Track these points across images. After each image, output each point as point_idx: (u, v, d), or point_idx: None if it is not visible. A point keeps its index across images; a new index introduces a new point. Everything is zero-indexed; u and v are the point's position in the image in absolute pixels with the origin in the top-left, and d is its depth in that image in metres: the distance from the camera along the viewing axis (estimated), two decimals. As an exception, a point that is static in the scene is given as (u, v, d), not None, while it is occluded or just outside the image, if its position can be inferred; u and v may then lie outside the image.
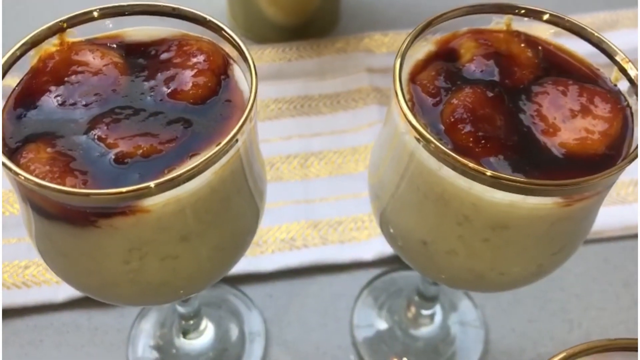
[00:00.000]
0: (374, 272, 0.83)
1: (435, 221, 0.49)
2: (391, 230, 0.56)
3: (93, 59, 0.48)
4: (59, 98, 0.46)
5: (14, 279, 0.79)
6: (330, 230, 0.85)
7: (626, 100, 0.49)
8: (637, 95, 0.48)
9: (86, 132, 0.44)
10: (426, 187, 0.47)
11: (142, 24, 0.51)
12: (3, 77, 0.45)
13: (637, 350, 0.35)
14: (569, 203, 0.44)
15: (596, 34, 0.50)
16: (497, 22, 0.54)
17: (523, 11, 0.52)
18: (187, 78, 0.47)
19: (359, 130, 0.95)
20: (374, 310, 0.79)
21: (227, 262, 0.53)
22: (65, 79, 0.47)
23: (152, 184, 0.40)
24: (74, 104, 0.46)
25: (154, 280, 0.47)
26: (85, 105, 0.46)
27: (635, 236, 0.86)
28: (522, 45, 0.52)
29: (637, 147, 0.44)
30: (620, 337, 0.36)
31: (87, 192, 0.40)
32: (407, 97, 0.48)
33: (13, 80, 0.48)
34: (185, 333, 0.74)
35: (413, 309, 0.77)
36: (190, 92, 0.47)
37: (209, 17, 0.50)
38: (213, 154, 0.42)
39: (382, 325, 0.78)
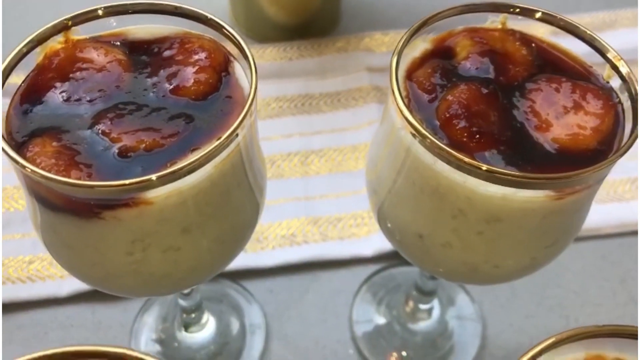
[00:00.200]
0: (373, 268, 0.84)
1: (430, 215, 0.50)
2: (389, 225, 0.57)
3: (97, 56, 0.50)
4: (64, 94, 0.47)
5: (19, 273, 0.80)
6: (330, 226, 0.86)
7: (618, 97, 0.50)
8: (628, 92, 0.49)
9: (90, 127, 0.45)
10: (422, 182, 0.49)
11: (145, 22, 0.53)
12: (10, 73, 0.46)
13: (624, 337, 0.36)
14: (560, 196, 0.45)
15: (588, 32, 0.51)
16: (493, 21, 0.55)
17: (518, 10, 0.53)
18: (189, 75, 0.48)
19: (359, 129, 0.96)
20: (373, 305, 0.81)
21: (227, 255, 0.54)
22: (70, 75, 0.48)
23: (154, 176, 0.41)
24: (78, 100, 0.47)
25: (157, 272, 0.48)
26: (90, 101, 0.47)
27: (632, 233, 0.87)
28: (517, 43, 0.53)
29: (626, 142, 0.45)
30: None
31: (91, 184, 0.41)
32: (403, 93, 0.49)
33: (19, 77, 0.49)
34: (187, 326, 0.75)
35: (411, 304, 0.78)
36: (192, 88, 0.48)
37: (210, 16, 0.51)
38: (213, 148, 0.43)
39: (381, 320, 0.79)
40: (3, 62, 0.47)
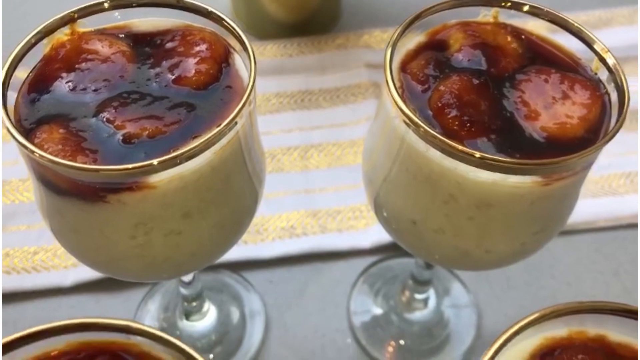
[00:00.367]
0: (371, 259, 0.85)
1: (423, 200, 0.51)
2: (385, 214, 0.59)
3: (102, 47, 0.51)
4: (70, 83, 0.49)
5: (24, 263, 0.82)
6: (329, 219, 0.87)
7: (605, 88, 0.52)
8: (615, 83, 0.50)
9: (96, 115, 0.47)
10: (415, 168, 0.50)
11: (148, 15, 0.55)
12: (19, 62, 0.48)
13: (605, 313, 0.38)
14: (548, 182, 0.47)
15: (576, 25, 0.53)
16: (485, 15, 0.56)
17: (509, 4, 0.55)
18: (191, 65, 0.50)
19: (357, 124, 0.98)
20: (371, 295, 0.82)
21: (226, 241, 0.56)
22: (76, 66, 0.50)
23: (155, 161, 0.43)
24: (84, 89, 0.49)
25: (159, 255, 0.50)
26: (95, 90, 0.49)
27: (626, 227, 0.89)
28: (508, 36, 0.55)
29: (611, 130, 0.47)
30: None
31: (97, 168, 0.43)
32: (397, 84, 0.51)
33: (24, 71, 0.51)
34: (188, 315, 0.77)
35: (407, 294, 0.79)
36: (193, 78, 0.50)
37: (211, 9, 0.53)
38: (213, 134, 0.45)
39: (378, 310, 0.81)
40: (12, 52, 0.48)
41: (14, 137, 0.44)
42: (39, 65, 0.51)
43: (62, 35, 0.52)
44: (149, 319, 0.78)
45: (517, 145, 0.48)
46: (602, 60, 0.52)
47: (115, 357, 0.35)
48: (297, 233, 0.86)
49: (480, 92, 0.50)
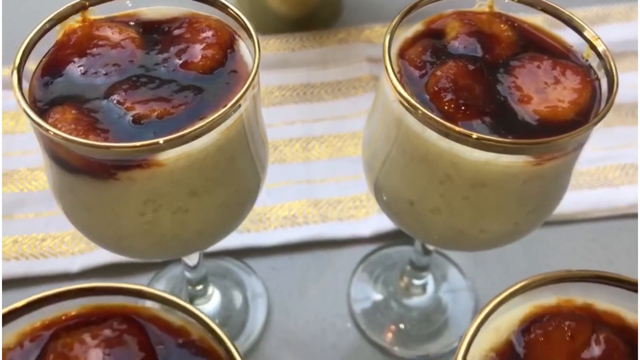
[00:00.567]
0: (371, 247, 0.87)
1: (420, 181, 0.53)
2: (384, 198, 0.61)
3: (112, 34, 0.54)
4: (81, 68, 0.51)
5: (32, 250, 0.84)
6: (330, 208, 0.89)
7: (596, 73, 0.54)
8: (605, 69, 0.52)
9: (106, 97, 0.49)
10: (412, 150, 0.52)
11: (156, 3, 0.57)
12: (33, 47, 0.50)
13: (592, 282, 0.40)
14: (539, 162, 0.49)
15: (567, 12, 0.55)
16: (480, 5, 0.59)
17: (504, -6, 0.57)
18: (197, 51, 0.52)
19: (358, 116, 1.00)
20: (370, 282, 0.84)
21: (231, 221, 0.58)
22: (87, 51, 0.52)
23: (161, 140, 0.45)
24: (95, 73, 0.51)
25: (167, 232, 0.52)
26: (106, 74, 0.51)
27: (621, 217, 0.91)
28: (503, 25, 0.57)
29: (601, 112, 0.49)
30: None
31: (108, 145, 0.45)
32: (396, 69, 0.53)
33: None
34: (192, 299, 0.79)
35: (405, 279, 0.81)
36: (200, 63, 0.52)
37: (216, -2, 0.55)
38: (218, 115, 0.47)
39: (378, 296, 0.83)
40: (27, 37, 0.51)
41: (29, 116, 0.46)
42: (51, 50, 0.53)
43: (74, 22, 0.54)
44: (154, 303, 0.80)
45: (510, 127, 0.50)
46: (593, 47, 0.54)
47: (128, 320, 0.37)
48: (299, 222, 0.88)
49: (475, 77, 0.52)
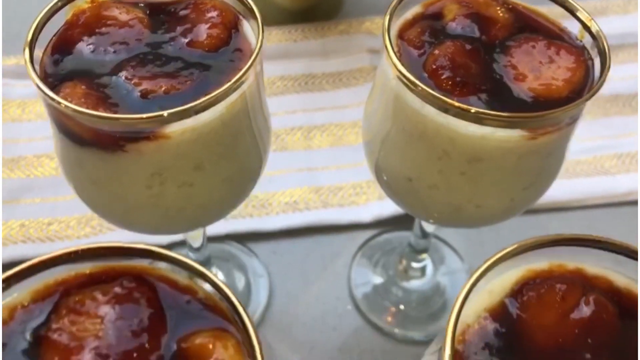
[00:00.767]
0: (371, 233, 0.89)
1: (419, 158, 0.55)
2: (385, 178, 0.63)
3: (120, 14, 0.55)
4: (90, 46, 0.53)
5: (39, 234, 0.86)
6: (331, 195, 0.91)
7: (589, 54, 0.55)
8: (598, 48, 0.54)
9: (115, 73, 0.51)
10: (411, 127, 0.54)
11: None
12: (44, 25, 0.52)
13: (579, 245, 0.41)
14: (534, 136, 0.50)
15: (561, -5, 0.57)
16: (478, -12, 0.60)
17: (500, -22, 0.59)
18: (203, 30, 0.54)
19: (359, 106, 1.01)
20: (370, 266, 0.86)
21: (234, 197, 0.59)
22: (96, 30, 0.54)
23: (165, 112, 0.46)
24: (104, 51, 0.53)
25: (172, 206, 0.54)
26: (114, 52, 0.53)
27: (616, 204, 0.92)
28: (499, 7, 0.59)
29: (593, 87, 0.50)
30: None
31: (116, 117, 0.47)
32: (395, 49, 0.54)
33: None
34: (196, 281, 0.80)
35: (404, 262, 0.83)
36: (205, 42, 0.53)
37: (220, -20, 0.57)
38: (222, 90, 0.48)
39: (378, 279, 0.85)
40: (38, 15, 0.52)
41: (42, 90, 0.47)
42: (61, 29, 0.55)
43: (83, 3, 0.56)
44: (159, 285, 0.82)
45: (505, 104, 0.51)
46: (586, 27, 0.55)
47: (137, 279, 0.39)
48: (300, 208, 0.90)
49: (472, 56, 0.54)
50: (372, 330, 0.81)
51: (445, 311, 0.82)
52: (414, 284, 0.84)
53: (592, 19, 0.55)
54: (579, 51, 0.55)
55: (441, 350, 0.37)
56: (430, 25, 0.57)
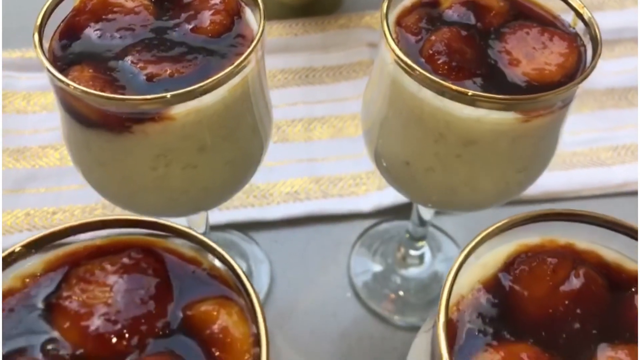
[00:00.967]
0: (370, 222, 0.91)
1: (415, 141, 0.57)
2: (384, 163, 0.64)
3: (126, 1, 0.57)
4: (97, 32, 0.55)
5: (44, 222, 0.88)
6: (331, 185, 0.93)
7: (582, 40, 0.57)
8: (590, 35, 0.55)
9: (121, 57, 0.53)
10: (408, 111, 0.55)
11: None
12: (53, 10, 0.54)
13: (569, 220, 0.43)
14: (527, 119, 0.52)
15: (554, -18, 0.58)
16: (474, -23, 0.62)
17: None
18: (206, 17, 0.56)
19: (358, 99, 1.02)
20: (369, 255, 0.87)
21: (236, 180, 0.61)
22: (103, 16, 0.56)
23: (168, 94, 0.48)
24: (110, 36, 0.54)
25: (176, 188, 0.55)
26: (120, 37, 0.54)
27: (611, 195, 0.94)
28: (495, -4, 0.60)
29: (585, 71, 0.52)
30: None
31: (123, 97, 0.48)
32: (393, 35, 0.56)
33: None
34: (198, 267, 0.82)
35: (403, 250, 0.85)
36: (209, 28, 0.55)
37: (223, -31, 0.58)
38: (225, 73, 0.50)
39: (377, 267, 0.86)
40: (47, 1, 0.54)
41: (51, 72, 0.49)
42: (69, 16, 0.56)
43: (90, -10, 0.58)
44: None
45: (499, 88, 0.53)
46: (579, 14, 0.57)
47: (144, 250, 0.40)
48: (301, 198, 0.91)
49: (467, 42, 0.55)
50: (371, 316, 0.82)
51: (443, 298, 0.83)
52: (412, 271, 0.85)
53: (585, 6, 0.57)
54: (572, 37, 0.57)
55: (436, 321, 0.38)
56: (428, 13, 0.58)
